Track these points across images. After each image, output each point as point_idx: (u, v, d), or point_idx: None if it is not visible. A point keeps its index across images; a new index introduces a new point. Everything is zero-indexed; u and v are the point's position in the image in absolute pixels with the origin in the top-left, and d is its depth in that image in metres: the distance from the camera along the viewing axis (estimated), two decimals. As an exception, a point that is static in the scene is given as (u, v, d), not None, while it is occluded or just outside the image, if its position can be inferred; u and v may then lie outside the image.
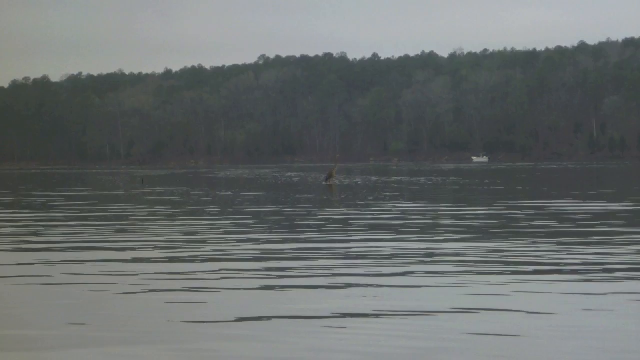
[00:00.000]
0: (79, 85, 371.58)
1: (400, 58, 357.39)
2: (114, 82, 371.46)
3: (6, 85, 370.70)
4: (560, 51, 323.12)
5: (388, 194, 29.02)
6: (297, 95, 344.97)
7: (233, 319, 10.55)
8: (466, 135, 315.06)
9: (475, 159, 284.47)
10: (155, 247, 19.28)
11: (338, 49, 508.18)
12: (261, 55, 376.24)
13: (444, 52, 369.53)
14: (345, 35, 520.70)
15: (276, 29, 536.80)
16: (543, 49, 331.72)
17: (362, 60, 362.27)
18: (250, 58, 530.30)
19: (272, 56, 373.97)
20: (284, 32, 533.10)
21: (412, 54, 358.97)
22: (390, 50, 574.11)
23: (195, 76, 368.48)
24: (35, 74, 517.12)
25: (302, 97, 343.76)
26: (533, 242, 18.64)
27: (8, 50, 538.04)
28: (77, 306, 11.45)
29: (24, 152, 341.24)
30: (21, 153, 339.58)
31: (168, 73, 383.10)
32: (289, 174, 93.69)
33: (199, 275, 14.46)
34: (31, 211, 32.60)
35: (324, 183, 44.67)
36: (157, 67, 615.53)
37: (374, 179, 59.41)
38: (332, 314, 10.64)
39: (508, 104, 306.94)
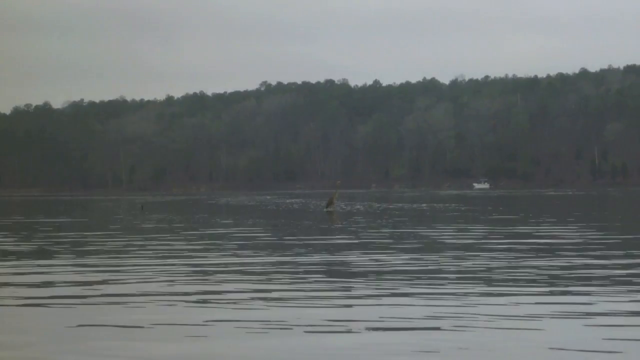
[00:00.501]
0: (80, 111, 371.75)
1: (401, 84, 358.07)
2: (116, 109, 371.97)
3: (8, 112, 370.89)
4: (562, 78, 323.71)
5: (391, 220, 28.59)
6: (298, 122, 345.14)
7: None
8: (468, 161, 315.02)
9: (476, 185, 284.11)
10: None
11: (339, 75, 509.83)
12: (263, 82, 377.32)
13: (445, 79, 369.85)
14: (347, 62, 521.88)
15: (278, 56, 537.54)
16: (544, 76, 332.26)
17: (364, 87, 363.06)
18: (252, 84, 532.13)
19: (273, 82, 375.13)
20: (286, 58, 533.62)
21: (413, 80, 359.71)
22: (391, 77, 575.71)
23: (196, 103, 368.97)
24: (36, 100, 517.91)
25: (303, 123, 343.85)
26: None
27: (9, 77, 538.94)
28: None
29: (26, 178, 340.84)
30: (23, 179, 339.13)
31: (170, 99, 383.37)
32: (289, 200, 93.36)
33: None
34: None
35: (324, 210, 43.95)
36: (158, 94, 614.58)
37: (376, 205, 58.90)
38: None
39: (509, 131, 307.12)
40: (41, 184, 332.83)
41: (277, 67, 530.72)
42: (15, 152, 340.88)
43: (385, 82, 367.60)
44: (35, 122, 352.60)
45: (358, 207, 54.30)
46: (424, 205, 55.83)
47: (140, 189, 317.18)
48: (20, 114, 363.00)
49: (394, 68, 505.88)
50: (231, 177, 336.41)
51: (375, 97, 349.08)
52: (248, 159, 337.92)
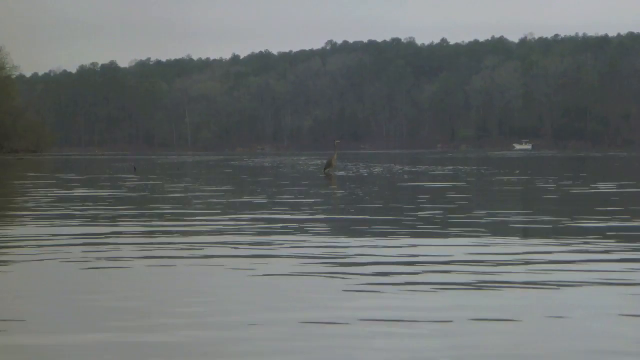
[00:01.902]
0: (146, 71, 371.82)
1: (469, 43, 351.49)
2: (182, 68, 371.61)
3: (74, 71, 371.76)
4: (633, 37, 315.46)
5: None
6: (364, 82, 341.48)
7: None
8: (536, 121, 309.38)
9: (517, 146, 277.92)
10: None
11: (406, 34, 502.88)
12: (328, 41, 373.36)
13: (514, 37, 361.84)
14: (414, 20, 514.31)
15: (344, 15, 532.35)
16: (615, 35, 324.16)
17: (431, 46, 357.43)
18: (317, 44, 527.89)
19: (339, 42, 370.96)
20: (352, 17, 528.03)
21: (481, 39, 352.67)
22: (459, 36, 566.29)
23: (262, 62, 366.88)
24: (103, 59, 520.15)
25: (369, 83, 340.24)
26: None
27: (76, 36, 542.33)
28: None
29: (91, 138, 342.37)
30: (88, 139, 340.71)
31: (235, 59, 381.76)
32: (318, 161, 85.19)
33: None
34: None
35: (322, 174, 40.19)
36: (225, 53, 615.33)
37: (397, 168, 54.23)
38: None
39: (579, 90, 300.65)
40: (106, 144, 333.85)
41: (343, 26, 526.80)
42: (81, 111, 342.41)
43: (452, 41, 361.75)
44: (101, 81, 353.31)
45: (378, 169, 50.40)
46: (466, 168, 50.72)
47: (205, 148, 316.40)
48: (87, 73, 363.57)
49: (462, 26, 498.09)
50: (296, 137, 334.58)
51: (443, 56, 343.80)
52: (313, 119, 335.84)
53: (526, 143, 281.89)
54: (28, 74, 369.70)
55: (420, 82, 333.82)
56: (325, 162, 42.75)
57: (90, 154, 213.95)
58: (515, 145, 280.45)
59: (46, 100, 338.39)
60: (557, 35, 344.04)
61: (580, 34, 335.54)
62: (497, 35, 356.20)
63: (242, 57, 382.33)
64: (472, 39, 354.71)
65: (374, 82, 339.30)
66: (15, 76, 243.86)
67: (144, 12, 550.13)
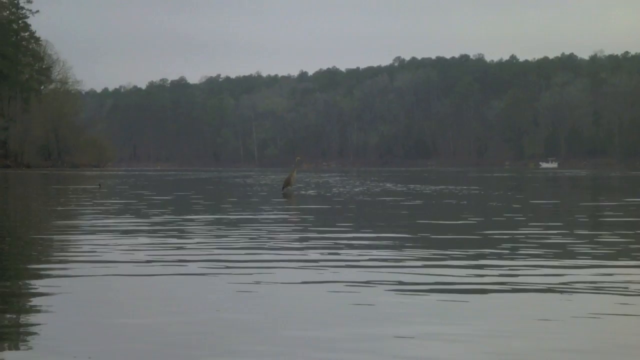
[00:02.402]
0: (215, 87, 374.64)
1: (539, 60, 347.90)
2: (250, 85, 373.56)
3: (143, 86, 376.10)
4: None
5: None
6: (431, 98, 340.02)
7: None
8: (605, 140, 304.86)
9: (543, 164, 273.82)
10: None
11: (475, 50, 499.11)
12: (396, 57, 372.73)
13: (584, 54, 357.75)
14: (483, 36, 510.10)
15: (412, 31, 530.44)
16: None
17: (500, 62, 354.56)
18: (385, 60, 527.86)
19: (407, 58, 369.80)
20: (420, 33, 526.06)
21: (551, 55, 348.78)
22: (528, 52, 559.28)
23: (329, 78, 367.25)
24: (172, 75, 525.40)
25: (436, 99, 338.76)
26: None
27: (146, 52, 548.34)
28: None
29: (160, 153, 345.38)
30: (156, 154, 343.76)
31: (303, 75, 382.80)
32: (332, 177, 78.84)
33: None
34: None
35: (282, 191, 37.86)
36: (292, 70, 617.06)
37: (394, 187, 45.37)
38: None
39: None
40: (174, 159, 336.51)
41: (411, 43, 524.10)
42: (150, 126, 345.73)
43: (522, 58, 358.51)
44: (170, 97, 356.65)
45: (359, 188, 45.27)
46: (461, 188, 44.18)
47: (271, 164, 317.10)
48: (156, 89, 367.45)
49: (532, 43, 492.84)
50: (361, 153, 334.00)
51: (511, 72, 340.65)
52: (379, 135, 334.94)
53: (552, 161, 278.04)
54: (98, 89, 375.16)
55: (488, 99, 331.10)
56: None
57: (148, 168, 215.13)
58: (541, 163, 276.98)
59: (115, 115, 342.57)
60: (626, 52, 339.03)
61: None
62: (567, 52, 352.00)
63: (309, 73, 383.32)
64: (541, 56, 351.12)
65: (441, 99, 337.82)
66: (84, 91, 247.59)
67: (214, 29, 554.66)
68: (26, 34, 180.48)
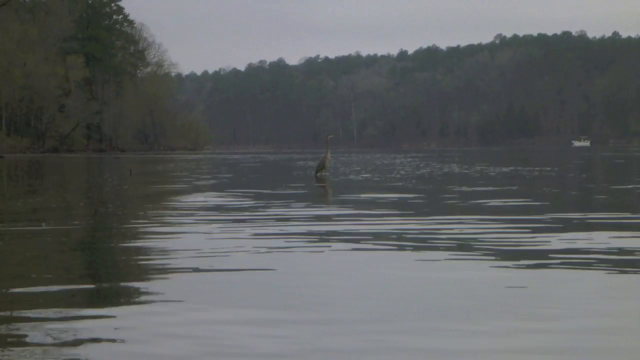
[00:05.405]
0: (314, 68, 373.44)
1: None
2: (349, 65, 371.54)
3: (242, 69, 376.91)
4: None
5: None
6: (533, 76, 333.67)
7: None
8: None
9: (575, 143, 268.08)
10: None
11: (577, 27, 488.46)
12: (497, 35, 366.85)
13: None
14: (585, 13, 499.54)
15: (513, 8, 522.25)
16: None
17: (602, 39, 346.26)
18: (486, 37, 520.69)
19: (508, 35, 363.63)
20: (522, 10, 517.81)
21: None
22: (632, 28, 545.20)
23: (429, 57, 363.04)
24: (271, 57, 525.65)
25: (538, 77, 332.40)
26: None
27: (245, 34, 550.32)
28: None
29: (259, 135, 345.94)
30: (256, 137, 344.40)
31: (403, 54, 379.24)
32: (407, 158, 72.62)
33: None
34: None
35: (316, 175, 32.54)
36: (392, 49, 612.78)
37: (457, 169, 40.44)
38: None
39: None
40: (273, 141, 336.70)
41: (513, 20, 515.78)
42: (249, 109, 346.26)
43: (624, 34, 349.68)
44: (268, 79, 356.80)
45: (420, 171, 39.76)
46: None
47: (370, 145, 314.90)
48: (255, 71, 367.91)
49: (634, 19, 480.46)
50: (462, 132, 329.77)
51: (614, 49, 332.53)
52: (480, 114, 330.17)
53: (584, 140, 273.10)
54: (198, 72, 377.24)
55: (591, 76, 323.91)
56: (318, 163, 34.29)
57: (243, 151, 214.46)
58: (573, 141, 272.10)
59: (215, 98, 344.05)
60: None
61: None
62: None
63: (409, 52, 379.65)
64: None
65: (543, 77, 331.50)
66: (184, 74, 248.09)
67: (312, 9, 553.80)
68: (119, 17, 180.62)
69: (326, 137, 35.00)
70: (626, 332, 5.87)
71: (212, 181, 31.39)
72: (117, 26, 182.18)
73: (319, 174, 32.55)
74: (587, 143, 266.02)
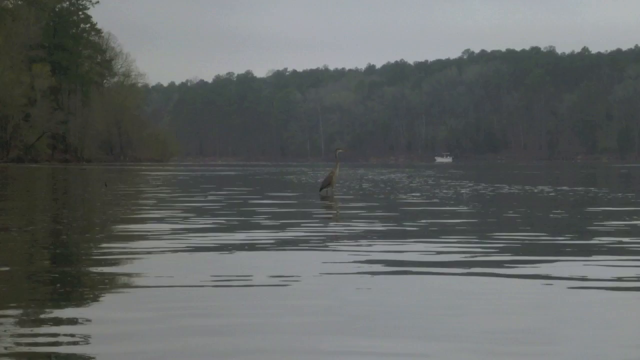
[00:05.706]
0: (282, 80, 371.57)
1: (611, 52, 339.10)
2: (317, 78, 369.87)
3: (210, 80, 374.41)
4: None
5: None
6: (501, 91, 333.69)
7: None
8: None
9: (438, 159, 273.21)
10: None
11: (546, 42, 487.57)
12: (465, 50, 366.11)
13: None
14: (554, 28, 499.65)
15: (481, 23, 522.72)
16: None
17: (571, 55, 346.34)
18: (454, 53, 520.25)
19: (476, 50, 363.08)
20: (490, 25, 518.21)
21: (624, 47, 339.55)
22: (601, 44, 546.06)
23: (397, 71, 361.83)
24: (239, 69, 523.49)
25: (506, 92, 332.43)
26: None
27: (213, 47, 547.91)
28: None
29: (226, 147, 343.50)
30: (223, 149, 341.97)
31: (371, 68, 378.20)
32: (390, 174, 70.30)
33: None
34: None
35: (320, 192, 28.89)
36: (360, 63, 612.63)
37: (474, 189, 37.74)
38: None
39: None
40: (240, 153, 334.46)
41: (481, 35, 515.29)
42: (216, 120, 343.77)
43: (594, 50, 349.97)
44: (236, 91, 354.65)
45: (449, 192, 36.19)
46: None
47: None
48: (222, 83, 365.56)
49: (604, 35, 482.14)
50: (430, 147, 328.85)
51: (583, 65, 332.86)
52: (447, 129, 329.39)
53: (447, 156, 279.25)
54: (165, 83, 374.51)
55: (560, 92, 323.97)
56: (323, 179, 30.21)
57: (210, 163, 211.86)
58: (436, 158, 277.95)
59: (182, 109, 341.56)
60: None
61: None
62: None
63: (377, 66, 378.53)
64: (614, 48, 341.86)
65: (511, 92, 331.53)
66: (150, 85, 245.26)
67: (281, 22, 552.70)
68: (87, 25, 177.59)
69: (335, 151, 31.60)
70: None
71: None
72: (85, 35, 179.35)
73: (324, 190, 29.38)
74: (449, 159, 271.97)
